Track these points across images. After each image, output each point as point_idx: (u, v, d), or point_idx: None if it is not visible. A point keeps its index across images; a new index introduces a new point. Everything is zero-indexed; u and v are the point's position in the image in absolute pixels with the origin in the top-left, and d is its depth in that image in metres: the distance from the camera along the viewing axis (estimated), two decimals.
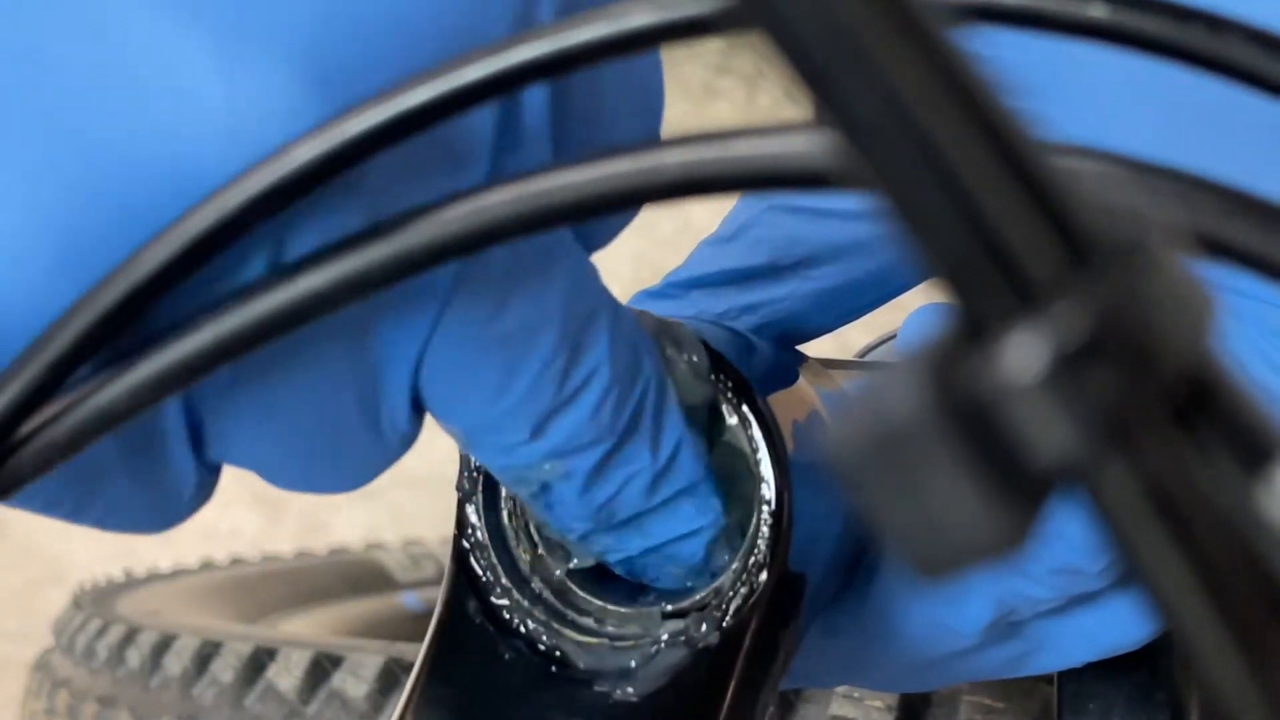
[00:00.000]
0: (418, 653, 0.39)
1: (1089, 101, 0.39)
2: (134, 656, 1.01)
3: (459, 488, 0.39)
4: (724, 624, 0.37)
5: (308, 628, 1.23)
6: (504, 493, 0.39)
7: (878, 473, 0.16)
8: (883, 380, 0.16)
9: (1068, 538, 0.40)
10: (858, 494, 0.16)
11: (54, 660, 1.14)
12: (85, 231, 0.26)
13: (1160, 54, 0.26)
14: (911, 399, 0.15)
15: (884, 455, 0.16)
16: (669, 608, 0.38)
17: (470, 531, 0.39)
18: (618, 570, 0.39)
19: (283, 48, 0.26)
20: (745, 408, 0.38)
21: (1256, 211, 0.22)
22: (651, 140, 0.25)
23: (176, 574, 1.29)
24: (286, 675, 0.88)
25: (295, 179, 0.25)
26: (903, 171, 0.15)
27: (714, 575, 0.38)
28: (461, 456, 0.39)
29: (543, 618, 0.39)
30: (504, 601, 0.39)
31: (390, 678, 0.84)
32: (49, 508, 0.30)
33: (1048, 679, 0.53)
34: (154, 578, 1.28)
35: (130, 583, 1.26)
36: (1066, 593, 0.42)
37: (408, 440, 0.33)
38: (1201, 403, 0.17)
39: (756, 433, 0.38)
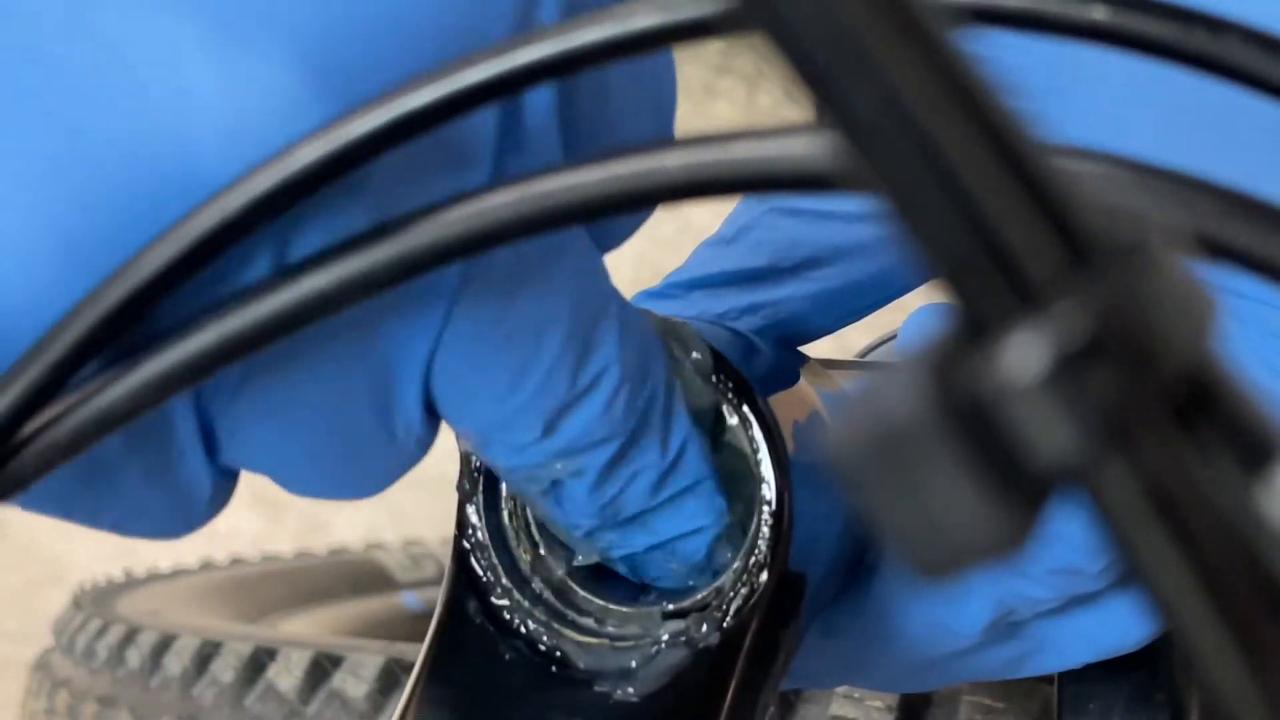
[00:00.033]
0: (418, 653, 0.39)
1: (1090, 103, 0.39)
2: (134, 656, 1.01)
3: (459, 488, 0.39)
4: (724, 624, 0.37)
5: (308, 628, 1.23)
6: (505, 493, 0.39)
7: (878, 473, 0.16)
8: (883, 381, 0.16)
9: (1067, 538, 0.40)
10: (858, 494, 0.16)
11: (54, 660, 1.14)
12: (89, 231, 0.26)
13: (1161, 56, 0.26)
14: (912, 399, 0.16)
15: (884, 455, 0.16)
16: (669, 607, 0.39)
17: (471, 532, 0.39)
18: (620, 568, 0.39)
19: (282, 45, 0.26)
20: (746, 408, 0.38)
21: (1257, 213, 0.22)
22: (652, 142, 0.25)
23: (176, 574, 1.29)
24: (286, 675, 0.88)
25: (298, 180, 0.25)
26: (903, 172, 0.15)
27: (715, 574, 0.38)
28: (462, 456, 0.39)
29: (543, 618, 0.39)
30: (504, 602, 0.39)
31: (390, 678, 0.84)
32: (66, 512, 0.30)
33: (1048, 679, 0.53)
34: (154, 578, 1.28)
35: (130, 583, 1.26)
36: (1066, 593, 0.42)
37: (424, 445, 0.33)
38: (1202, 403, 0.17)
39: (757, 433, 0.38)
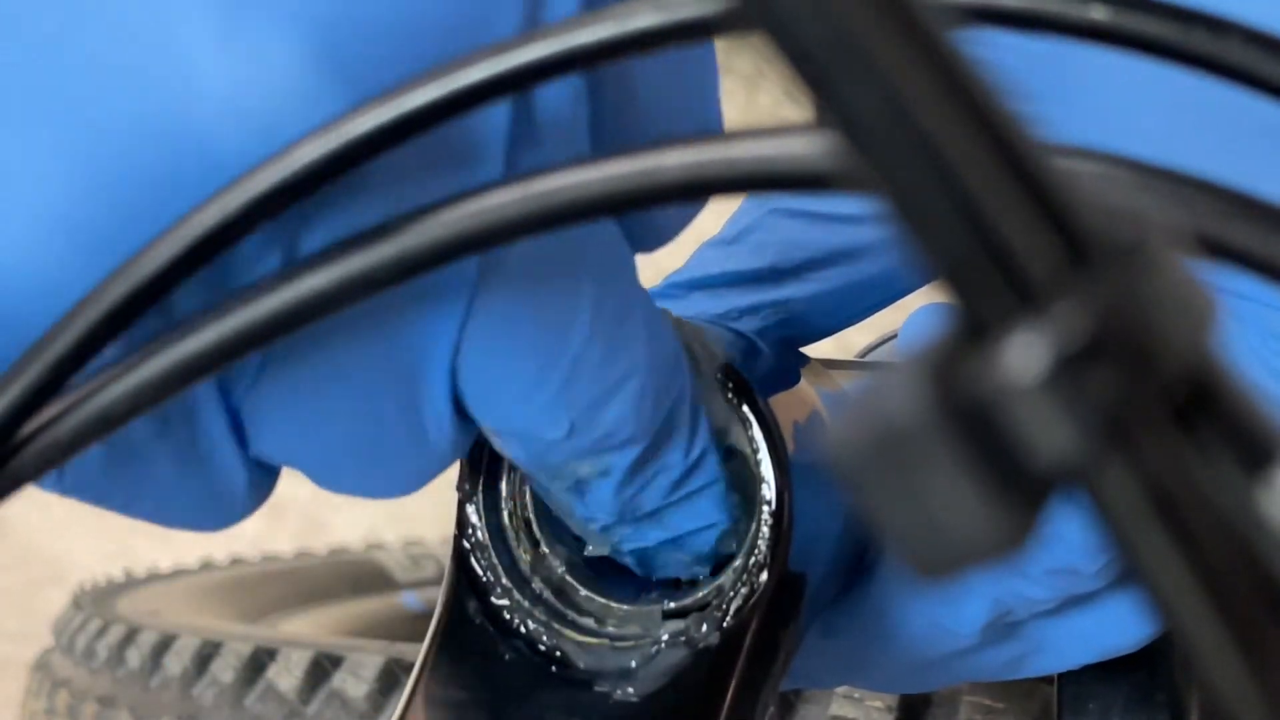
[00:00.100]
0: (418, 653, 0.39)
1: (1090, 103, 0.39)
2: (134, 656, 1.01)
3: (459, 488, 0.39)
4: (724, 624, 0.37)
5: (308, 628, 1.23)
6: (504, 493, 0.39)
7: (878, 473, 0.16)
8: (883, 381, 0.16)
9: (1065, 538, 0.40)
10: (858, 494, 0.16)
11: (54, 660, 1.14)
12: (102, 215, 0.26)
13: (1161, 56, 0.26)
14: (912, 400, 0.16)
15: (884, 456, 0.16)
16: (670, 606, 0.39)
17: (471, 532, 0.39)
18: (628, 560, 0.39)
19: (291, 28, 0.26)
20: (746, 408, 0.38)
21: (1257, 213, 0.22)
22: (652, 141, 0.25)
23: (176, 574, 1.29)
24: (286, 675, 0.88)
25: (298, 180, 0.25)
26: (903, 172, 0.15)
27: (719, 563, 0.38)
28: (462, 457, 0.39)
29: (543, 618, 0.39)
30: (504, 602, 0.39)
31: (390, 678, 0.84)
32: (102, 499, 0.30)
33: (1048, 679, 0.53)
34: (154, 578, 1.28)
35: (130, 583, 1.25)
36: (1064, 593, 0.42)
37: (457, 446, 0.33)
38: (1202, 403, 0.17)
39: (757, 433, 0.38)
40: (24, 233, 0.26)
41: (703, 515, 0.37)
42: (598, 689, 0.38)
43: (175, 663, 0.97)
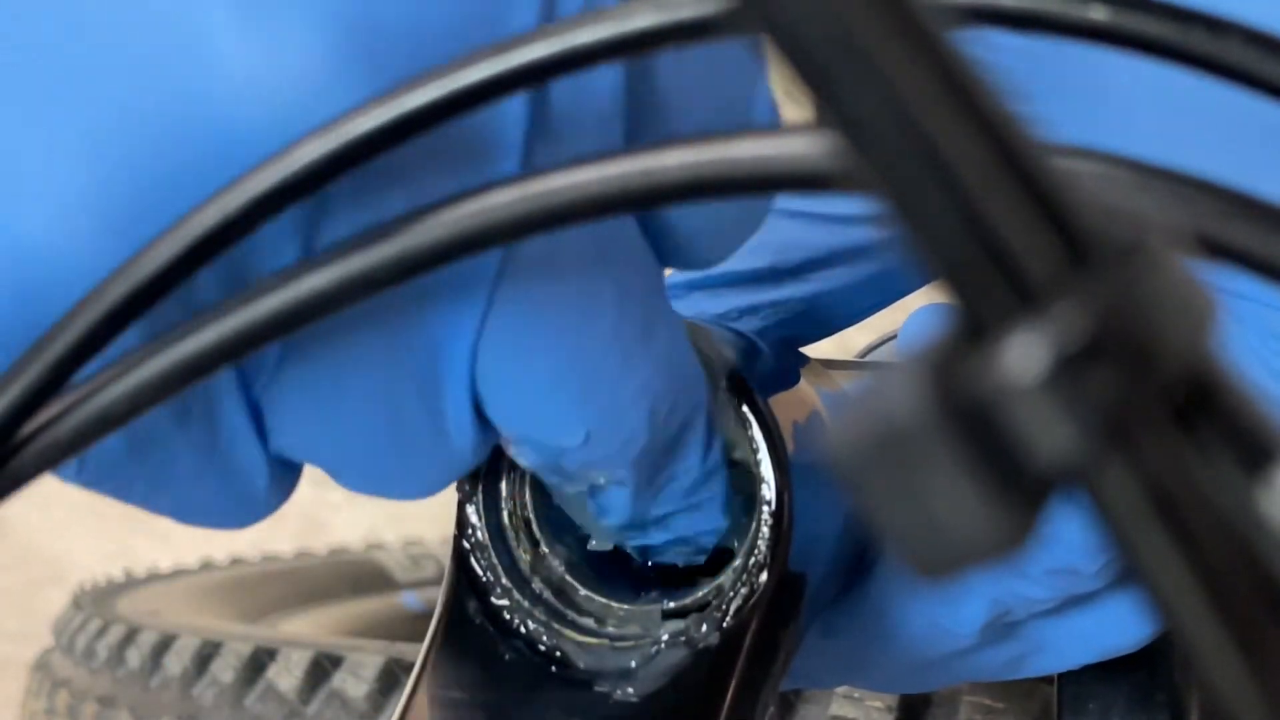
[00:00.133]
0: (418, 653, 0.39)
1: (1090, 103, 0.39)
2: (134, 656, 1.01)
3: (459, 488, 0.39)
4: (724, 624, 0.37)
5: (308, 628, 1.23)
6: (504, 493, 0.39)
7: (878, 473, 0.16)
8: (883, 381, 0.16)
9: (1065, 538, 0.40)
10: (858, 494, 0.16)
11: (54, 660, 1.13)
12: (127, 196, 0.26)
13: (1161, 56, 0.26)
14: (912, 400, 0.16)
15: (884, 456, 0.16)
16: (670, 605, 0.39)
17: (471, 532, 0.39)
18: (632, 553, 0.39)
19: (306, 8, 0.26)
20: (745, 408, 0.38)
21: (1257, 213, 0.22)
22: (651, 141, 0.25)
23: (176, 574, 1.29)
24: (286, 675, 0.88)
25: (298, 179, 0.25)
26: (903, 172, 0.15)
27: (718, 562, 0.38)
28: None
29: (543, 618, 0.39)
30: (504, 602, 0.39)
31: (390, 678, 0.84)
32: (123, 493, 0.30)
33: (1048, 679, 0.53)
34: (154, 578, 1.28)
35: (130, 583, 1.25)
36: (1063, 593, 0.42)
37: (477, 447, 0.33)
38: (1202, 403, 0.17)
39: (757, 433, 0.38)
40: (50, 214, 0.26)
41: (710, 520, 0.38)
42: (598, 689, 0.38)
43: (175, 663, 0.97)
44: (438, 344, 0.30)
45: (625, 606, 0.39)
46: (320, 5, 0.26)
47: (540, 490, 0.39)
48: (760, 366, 0.40)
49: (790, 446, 0.38)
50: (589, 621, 0.39)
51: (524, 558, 0.39)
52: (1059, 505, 0.16)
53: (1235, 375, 0.17)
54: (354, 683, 0.85)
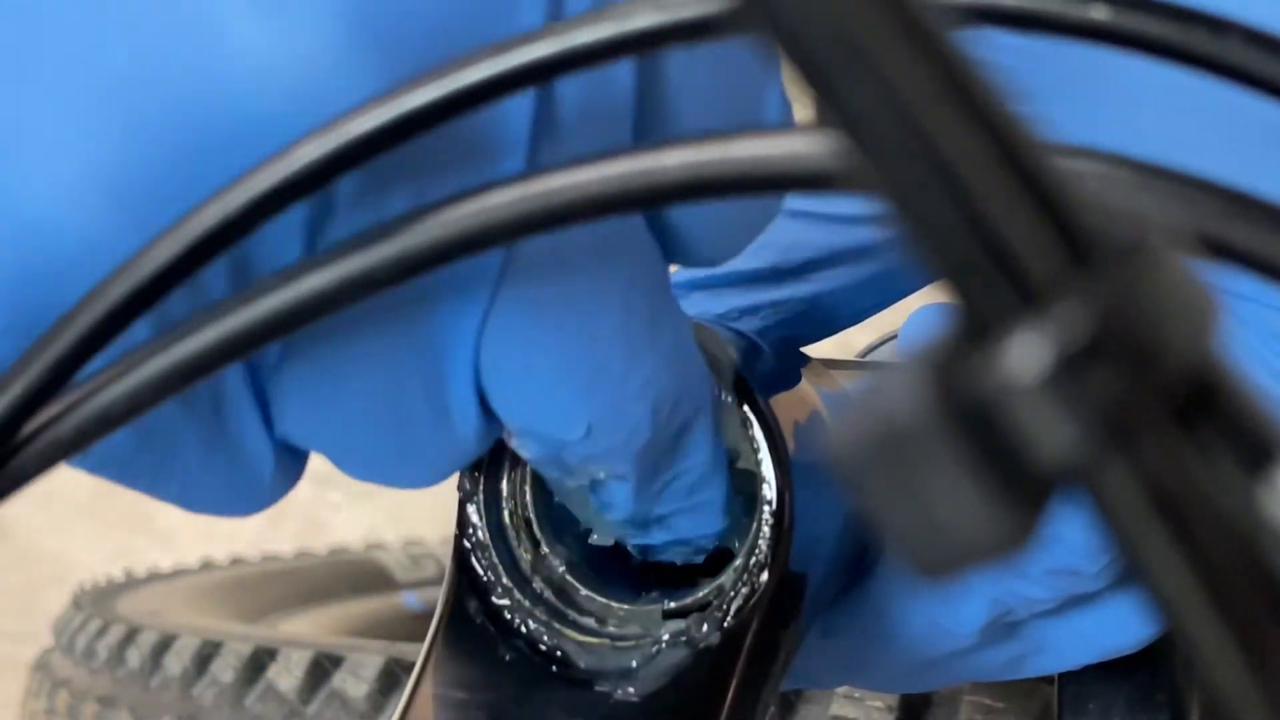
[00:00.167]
0: (418, 653, 0.39)
1: (1090, 103, 0.39)
2: (134, 656, 1.01)
3: (460, 488, 0.39)
4: (725, 624, 0.37)
5: (308, 628, 1.23)
6: (505, 492, 0.39)
7: (879, 473, 0.16)
8: (884, 381, 0.16)
9: (1065, 539, 0.40)
10: (858, 494, 0.16)
11: (54, 660, 1.13)
12: (140, 172, 0.26)
13: (1161, 56, 0.26)
14: (913, 399, 0.16)
15: (885, 456, 0.16)
16: (670, 605, 0.39)
17: (471, 531, 0.39)
18: (632, 551, 0.39)
19: None
20: (746, 408, 0.38)
21: (1258, 213, 0.22)
22: (652, 141, 0.25)
23: (176, 574, 1.29)
24: (286, 675, 0.88)
25: (298, 179, 0.25)
26: (904, 172, 0.15)
27: (719, 562, 0.38)
28: None
29: (544, 618, 0.39)
30: (505, 601, 0.39)
31: (390, 678, 0.84)
32: (128, 478, 0.30)
33: (1048, 679, 0.53)
34: (154, 578, 1.28)
35: (130, 583, 1.25)
36: (1064, 593, 0.42)
37: (481, 436, 0.33)
38: (1203, 403, 0.17)
39: (758, 433, 0.38)
40: (63, 189, 0.26)
41: (711, 521, 0.38)
42: (598, 689, 0.38)
43: (175, 663, 0.97)
44: (442, 335, 0.30)
45: (626, 606, 0.39)
46: None
47: (541, 490, 0.39)
48: (761, 366, 0.40)
49: (791, 446, 0.38)
50: (590, 621, 0.39)
51: (525, 557, 0.39)
52: (1060, 505, 0.16)
53: (1236, 375, 0.17)
54: (354, 683, 0.85)
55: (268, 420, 0.31)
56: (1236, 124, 0.37)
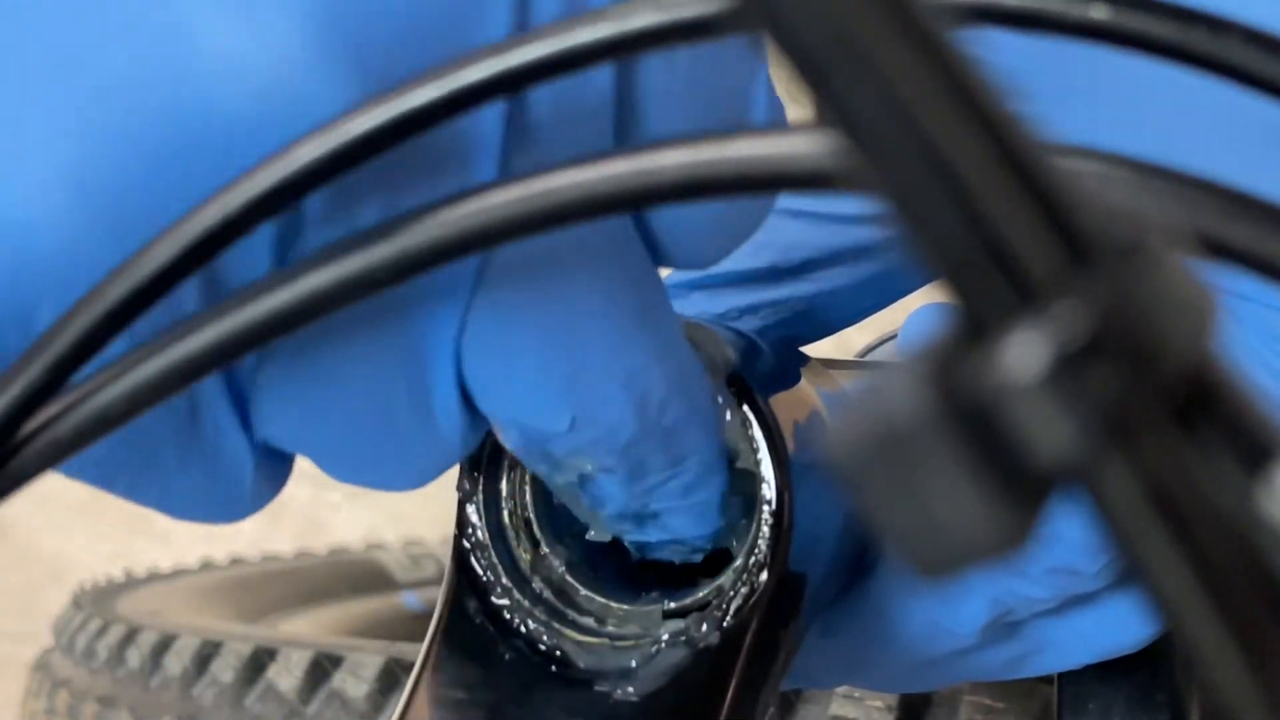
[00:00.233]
0: (418, 653, 0.39)
1: (1090, 103, 0.39)
2: (134, 656, 1.01)
3: (459, 488, 0.39)
4: (724, 624, 0.37)
5: (308, 628, 1.23)
6: (504, 492, 0.39)
7: (878, 473, 0.16)
8: (883, 380, 0.16)
9: (1065, 538, 0.40)
10: (858, 494, 0.16)
11: (54, 660, 1.13)
12: (111, 172, 0.26)
13: (1161, 56, 0.26)
14: (912, 399, 0.16)
15: (885, 456, 0.16)
16: (670, 605, 0.39)
17: (471, 531, 0.39)
18: (630, 548, 0.39)
19: None
20: (746, 408, 0.38)
21: (1258, 213, 0.22)
22: (651, 141, 0.25)
23: (176, 574, 1.29)
24: (286, 675, 0.88)
25: (299, 178, 0.25)
26: (903, 171, 0.15)
27: (718, 562, 0.38)
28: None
29: (543, 617, 0.39)
30: (504, 601, 0.39)
31: (390, 678, 0.84)
32: (107, 482, 0.30)
33: (1048, 679, 0.53)
34: (154, 578, 1.28)
35: (130, 583, 1.25)
36: (1064, 593, 0.42)
37: (466, 435, 0.33)
38: (1202, 402, 0.17)
39: (757, 433, 0.38)
40: (34, 189, 0.26)
41: (706, 522, 0.37)
42: (598, 689, 0.38)
43: (175, 663, 0.97)
44: (423, 329, 0.30)
45: (625, 606, 0.39)
46: None
47: (541, 490, 0.39)
48: (760, 366, 0.40)
49: (790, 446, 0.38)
50: (589, 621, 0.39)
51: (524, 557, 0.39)
52: (1059, 505, 0.16)
53: (1236, 375, 0.17)
54: (354, 683, 0.85)
55: (246, 423, 0.31)
56: (1236, 124, 0.37)
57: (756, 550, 0.37)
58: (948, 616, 0.43)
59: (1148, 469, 0.16)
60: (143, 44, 0.26)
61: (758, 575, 0.37)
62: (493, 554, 0.39)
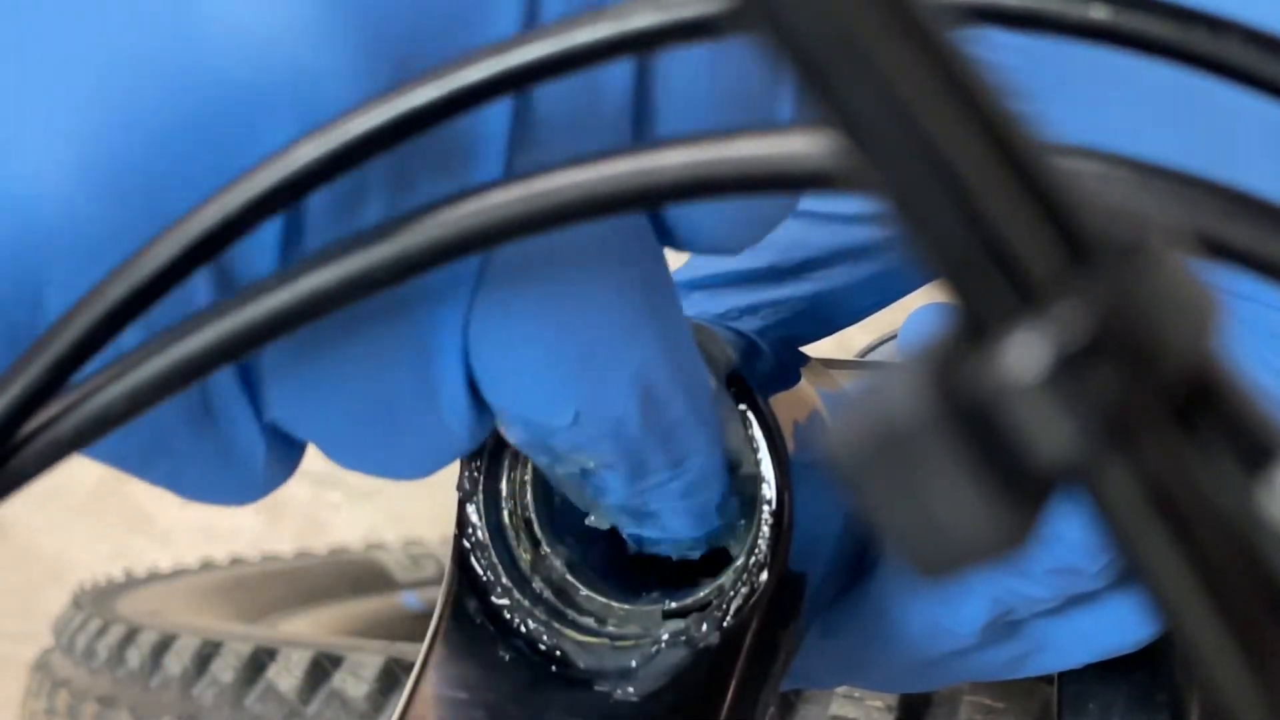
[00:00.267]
0: (418, 653, 0.39)
1: (1090, 103, 0.39)
2: (134, 656, 1.01)
3: (459, 488, 0.39)
4: (724, 624, 0.37)
5: (308, 628, 1.23)
6: (505, 492, 0.39)
7: (879, 473, 0.16)
8: (884, 380, 0.16)
9: (1066, 538, 0.40)
10: (858, 494, 0.16)
11: (54, 660, 1.13)
12: (122, 146, 0.26)
13: (1161, 56, 0.26)
14: (912, 399, 0.16)
15: (885, 456, 0.16)
16: (670, 605, 0.39)
17: (471, 531, 0.39)
18: (627, 539, 0.39)
19: None
20: (746, 408, 0.38)
21: (1258, 213, 0.22)
22: (652, 140, 0.25)
23: (176, 574, 1.29)
24: (286, 675, 0.88)
25: (299, 178, 0.25)
26: (903, 172, 0.15)
27: (718, 562, 0.38)
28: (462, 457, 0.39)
29: (543, 617, 0.39)
30: (504, 601, 0.39)
31: (390, 678, 0.84)
32: (118, 460, 0.30)
33: (1048, 679, 0.53)
34: (154, 578, 1.28)
35: (130, 583, 1.25)
36: (1064, 592, 0.42)
37: (473, 426, 0.33)
38: (1203, 403, 0.17)
39: (757, 433, 0.38)
40: (40, 164, 0.26)
41: (704, 523, 0.37)
42: (598, 689, 0.38)
43: (175, 663, 0.97)
44: (429, 321, 0.30)
45: (625, 606, 0.39)
46: None
47: (541, 490, 0.39)
48: (760, 366, 0.40)
49: (791, 446, 0.38)
50: (589, 621, 0.39)
51: (524, 557, 0.39)
52: (1060, 505, 0.16)
53: (1236, 375, 0.17)
54: (354, 683, 0.85)
55: (258, 408, 0.31)
56: (1237, 124, 0.37)
57: (757, 550, 0.37)
58: (948, 616, 0.43)
59: (1148, 469, 0.16)
60: (150, 14, 0.26)
61: (758, 575, 0.37)
62: (493, 554, 0.39)
